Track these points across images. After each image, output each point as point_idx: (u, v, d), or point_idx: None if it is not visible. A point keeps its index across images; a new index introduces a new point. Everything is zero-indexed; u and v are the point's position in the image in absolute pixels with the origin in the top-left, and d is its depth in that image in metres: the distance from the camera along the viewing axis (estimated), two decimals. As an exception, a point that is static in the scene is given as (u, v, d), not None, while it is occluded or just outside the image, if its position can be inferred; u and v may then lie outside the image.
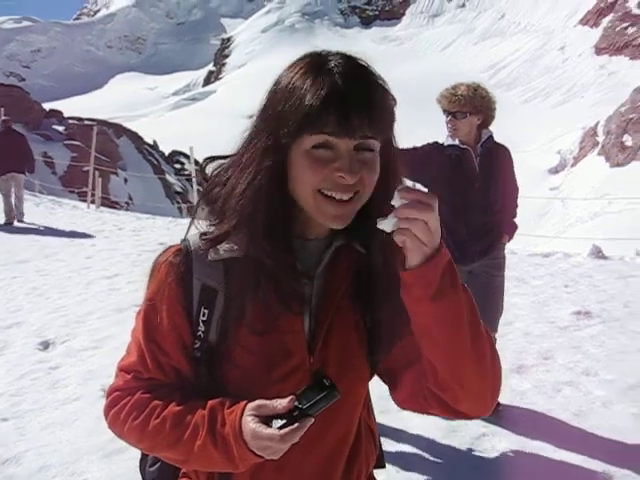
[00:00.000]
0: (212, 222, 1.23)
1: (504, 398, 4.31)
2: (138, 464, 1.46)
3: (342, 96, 1.06)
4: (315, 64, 1.11)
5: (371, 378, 1.34)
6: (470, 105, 3.80)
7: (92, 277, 7.96)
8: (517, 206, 4.30)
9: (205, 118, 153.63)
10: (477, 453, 3.69)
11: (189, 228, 1.25)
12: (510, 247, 5.55)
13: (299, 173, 1.12)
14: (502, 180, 4.05)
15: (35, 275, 8.07)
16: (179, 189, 40.38)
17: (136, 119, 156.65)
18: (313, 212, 1.14)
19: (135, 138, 41.98)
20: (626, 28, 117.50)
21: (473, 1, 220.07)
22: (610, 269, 8.49)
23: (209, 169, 1.27)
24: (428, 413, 1.24)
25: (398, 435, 3.81)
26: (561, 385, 4.62)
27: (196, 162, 18.79)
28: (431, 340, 1.10)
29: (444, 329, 1.06)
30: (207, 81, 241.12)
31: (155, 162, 41.66)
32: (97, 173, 17.46)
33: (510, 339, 5.40)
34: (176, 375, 1.23)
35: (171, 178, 39.84)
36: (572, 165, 63.71)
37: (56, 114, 37.23)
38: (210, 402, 1.16)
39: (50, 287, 7.43)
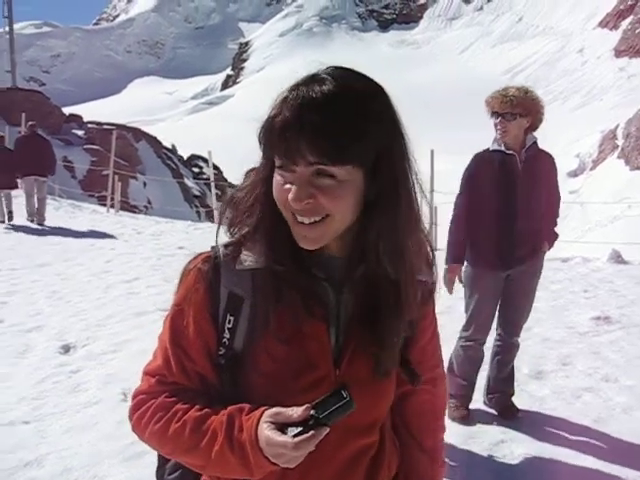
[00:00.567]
0: (230, 231, 1.27)
1: (523, 404, 4.29)
2: (155, 473, 1.46)
3: (291, 125, 1.09)
4: (283, 93, 1.14)
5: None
6: (521, 106, 3.77)
7: (112, 281, 8.01)
8: (558, 215, 4.26)
9: (223, 122, 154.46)
10: (496, 459, 3.68)
11: (217, 235, 1.27)
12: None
13: (274, 190, 1.16)
14: (545, 187, 4.03)
15: (55, 279, 8.12)
16: (197, 193, 40.50)
17: (155, 123, 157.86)
18: (291, 229, 1.17)
19: (154, 142, 42.09)
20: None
21: (491, 4, 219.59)
22: (630, 274, 8.43)
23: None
24: None
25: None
26: (581, 391, 4.59)
27: (214, 166, 18.90)
28: None
29: None
30: (225, 85, 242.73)
31: (174, 166, 41.77)
32: (116, 177, 17.58)
33: (529, 344, 5.36)
34: (200, 381, 1.24)
35: (189, 182, 39.92)
36: (591, 168, 62.98)
37: (76, 119, 37.45)
38: (229, 408, 1.16)
39: (70, 291, 7.48)
